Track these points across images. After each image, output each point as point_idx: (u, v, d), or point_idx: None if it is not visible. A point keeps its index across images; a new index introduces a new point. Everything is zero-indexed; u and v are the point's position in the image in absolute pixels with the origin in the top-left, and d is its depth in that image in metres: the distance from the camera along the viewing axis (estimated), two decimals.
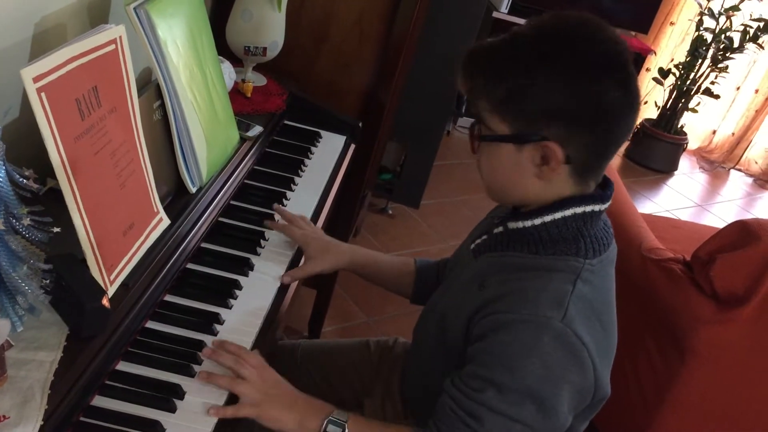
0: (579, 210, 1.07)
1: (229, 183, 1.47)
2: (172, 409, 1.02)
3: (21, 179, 0.88)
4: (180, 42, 1.29)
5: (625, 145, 4.62)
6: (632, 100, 1.03)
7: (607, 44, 1.02)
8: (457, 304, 1.14)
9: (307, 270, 1.39)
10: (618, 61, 1.02)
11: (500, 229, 1.14)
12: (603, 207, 1.09)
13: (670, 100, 4.40)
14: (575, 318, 1.01)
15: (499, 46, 1.04)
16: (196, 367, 1.10)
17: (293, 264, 1.41)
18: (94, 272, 1.01)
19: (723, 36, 4.13)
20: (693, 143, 4.72)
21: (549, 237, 1.07)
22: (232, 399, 1.09)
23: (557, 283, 1.04)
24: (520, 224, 1.10)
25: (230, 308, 1.24)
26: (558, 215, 1.07)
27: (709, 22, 4.16)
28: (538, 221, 1.07)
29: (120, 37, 1.09)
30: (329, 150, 1.81)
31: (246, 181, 1.57)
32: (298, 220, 1.46)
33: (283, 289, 1.34)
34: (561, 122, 1.01)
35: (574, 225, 1.07)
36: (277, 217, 1.48)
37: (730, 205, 4.34)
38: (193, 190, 1.35)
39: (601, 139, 1.04)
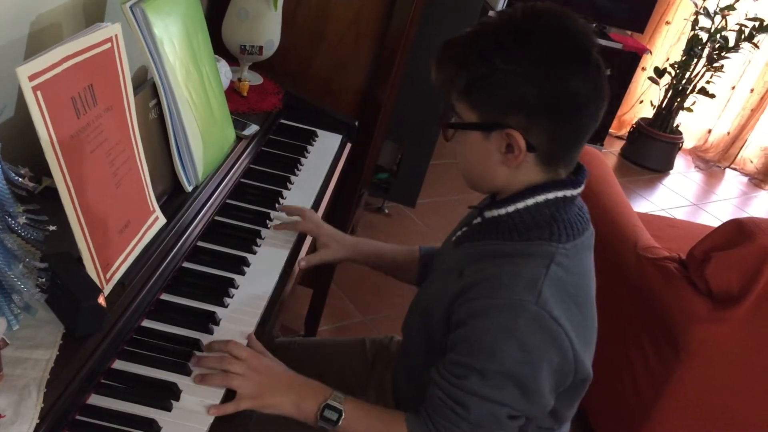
0: (551, 196, 1.09)
1: (225, 182, 1.47)
2: (168, 408, 1.02)
3: (16, 178, 0.88)
4: (176, 40, 1.29)
5: (621, 144, 4.63)
6: (595, 88, 1.04)
7: (569, 34, 1.03)
8: (437, 294, 1.16)
9: (322, 257, 1.45)
10: (579, 51, 1.03)
11: (478, 219, 1.17)
12: (575, 192, 1.11)
13: (666, 100, 4.41)
14: (549, 299, 1.04)
15: (464, 36, 1.07)
16: (192, 366, 1.10)
17: (290, 261, 1.41)
18: (90, 271, 1.01)
19: (718, 35, 4.14)
20: (688, 142, 4.73)
21: (523, 223, 1.09)
22: (229, 395, 1.09)
23: (531, 268, 1.06)
24: (495, 213, 1.12)
25: (226, 307, 1.24)
26: (530, 201, 1.09)
27: (704, 22, 4.16)
28: (511, 208, 1.10)
29: (116, 35, 1.09)
30: (325, 149, 1.82)
31: (242, 179, 1.57)
32: (306, 212, 1.48)
33: (279, 287, 1.34)
34: (521, 111, 1.03)
35: (547, 211, 1.09)
36: (274, 214, 1.49)
37: (726, 204, 4.35)
38: (189, 188, 1.35)
39: (564, 127, 1.06)
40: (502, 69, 1.02)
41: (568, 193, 1.10)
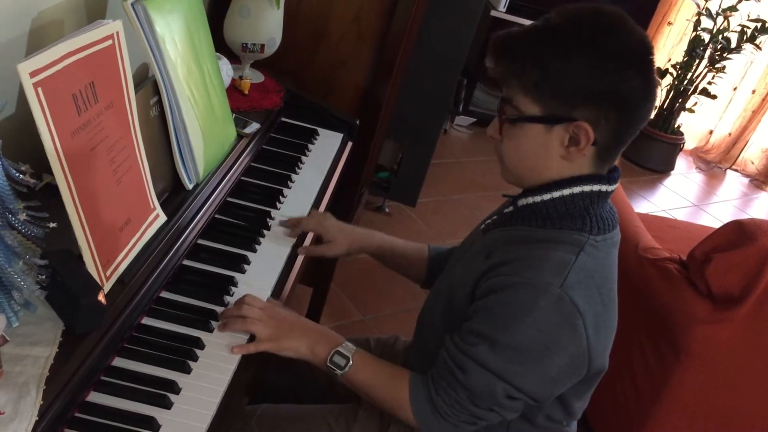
0: (587, 188, 1.11)
1: (225, 180, 1.47)
2: (168, 406, 1.02)
3: (17, 174, 0.88)
4: (177, 38, 1.29)
5: None
6: (653, 89, 1.09)
7: (636, 36, 1.08)
8: (464, 274, 1.18)
9: (325, 251, 1.46)
10: (645, 52, 1.08)
11: (510, 208, 1.19)
12: (611, 188, 1.14)
13: (668, 100, 4.40)
14: (574, 286, 1.06)
15: (535, 32, 1.10)
16: (191, 364, 1.10)
17: (290, 261, 1.41)
18: (90, 268, 1.01)
19: (720, 36, 4.14)
20: (690, 143, 4.73)
21: (556, 212, 1.12)
22: (230, 393, 1.08)
23: (561, 253, 1.08)
24: (530, 200, 1.14)
25: (227, 305, 1.24)
26: (566, 192, 1.11)
27: (706, 23, 4.16)
28: (547, 196, 1.12)
29: (117, 32, 1.09)
30: (326, 147, 1.81)
31: (243, 178, 1.57)
32: (305, 218, 1.49)
33: (279, 286, 1.34)
34: (593, 105, 1.06)
35: (581, 203, 1.11)
36: (275, 220, 1.49)
37: (727, 205, 4.35)
38: (190, 186, 1.35)
39: (625, 123, 1.09)
40: (578, 63, 1.05)
41: (604, 188, 1.13)
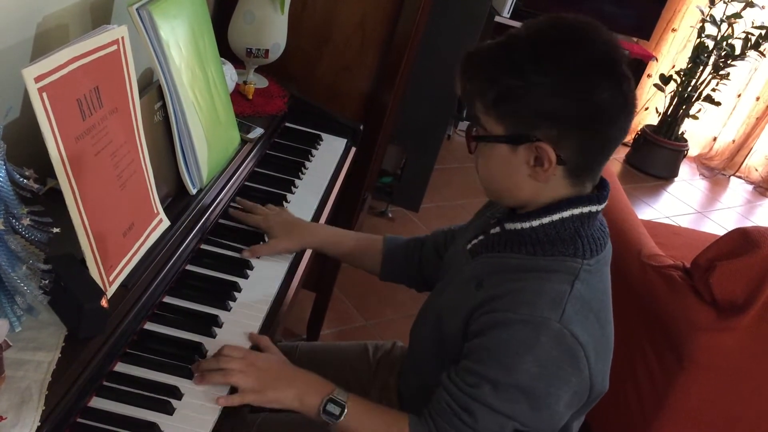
0: (576, 211, 1.08)
1: (229, 185, 1.47)
2: (170, 411, 1.02)
3: (21, 179, 0.88)
4: (182, 43, 1.29)
5: (626, 150, 4.62)
6: (625, 101, 1.03)
7: (599, 46, 1.02)
8: (453, 303, 1.15)
9: (270, 248, 1.39)
10: (610, 63, 1.02)
11: (497, 229, 1.15)
12: (599, 208, 1.10)
13: (671, 107, 4.40)
14: (572, 318, 1.03)
15: (493, 48, 1.06)
16: (193, 367, 1.10)
17: (293, 266, 1.41)
18: (93, 273, 1.01)
19: (724, 43, 4.14)
20: (693, 150, 4.72)
21: (547, 238, 1.08)
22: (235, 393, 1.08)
23: (555, 284, 1.05)
24: (518, 226, 1.10)
25: (229, 310, 1.23)
26: (555, 217, 1.08)
27: (710, 29, 4.16)
28: (536, 223, 1.09)
29: (122, 37, 1.09)
30: (330, 153, 1.81)
31: (246, 183, 1.57)
32: (258, 207, 1.46)
33: (282, 291, 1.34)
34: (552, 123, 1.02)
35: (572, 226, 1.08)
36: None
37: (730, 212, 4.34)
38: (194, 191, 1.35)
39: (594, 140, 1.05)
40: (535, 81, 1.00)
41: (593, 208, 1.09)
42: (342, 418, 1.11)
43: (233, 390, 1.09)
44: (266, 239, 1.42)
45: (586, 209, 1.08)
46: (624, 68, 1.03)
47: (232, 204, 1.47)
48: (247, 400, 1.09)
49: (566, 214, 1.07)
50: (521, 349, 1.02)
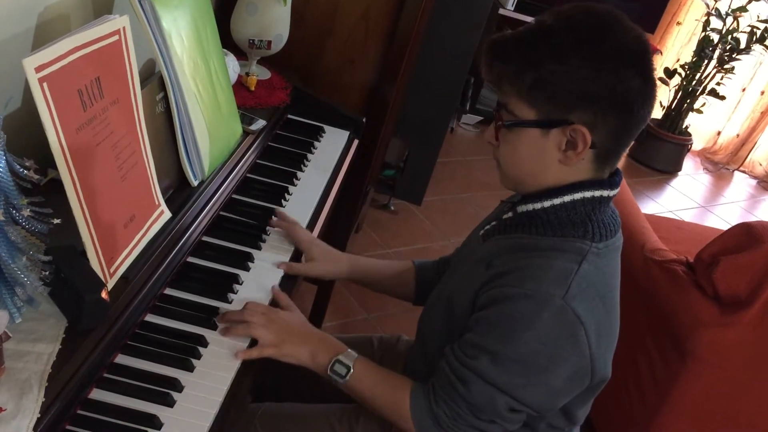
0: (588, 194, 1.09)
1: (231, 176, 1.46)
2: (170, 404, 1.02)
3: (21, 170, 0.87)
4: (184, 34, 1.29)
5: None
6: (651, 88, 1.06)
7: (631, 33, 1.05)
8: (463, 284, 1.17)
9: (309, 269, 1.41)
10: (643, 51, 1.05)
11: (509, 214, 1.17)
12: (612, 193, 1.11)
13: (676, 101, 4.39)
14: (577, 296, 1.04)
15: (528, 35, 1.07)
16: (194, 361, 1.10)
17: (295, 258, 1.40)
18: (94, 264, 1.01)
19: (730, 37, 4.12)
20: (697, 144, 4.71)
21: (557, 219, 1.10)
22: (233, 392, 1.08)
23: (563, 262, 1.06)
24: (529, 207, 1.12)
25: (230, 303, 1.23)
26: (567, 198, 1.09)
27: (716, 23, 4.14)
28: (547, 203, 1.10)
29: (124, 28, 1.09)
30: (332, 145, 1.81)
31: (248, 174, 1.56)
32: (299, 224, 1.46)
33: (283, 284, 1.33)
34: (590, 107, 1.04)
35: (583, 209, 1.09)
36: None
37: (734, 206, 4.33)
38: (195, 183, 1.34)
39: (624, 125, 1.07)
40: (575, 65, 1.02)
41: (606, 193, 1.10)
42: (348, 378, 1.17)
43: (253, 344, 1.15)
44: (263, 242, 1.41)
45: (598, 193, 1.10)
46: (651, 57, 1.06)
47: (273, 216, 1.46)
48: (265, 354, 1.15)
49: (578, 196, 1.09)
50: (523, 322, 1.04)
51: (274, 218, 1.45)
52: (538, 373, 1.05)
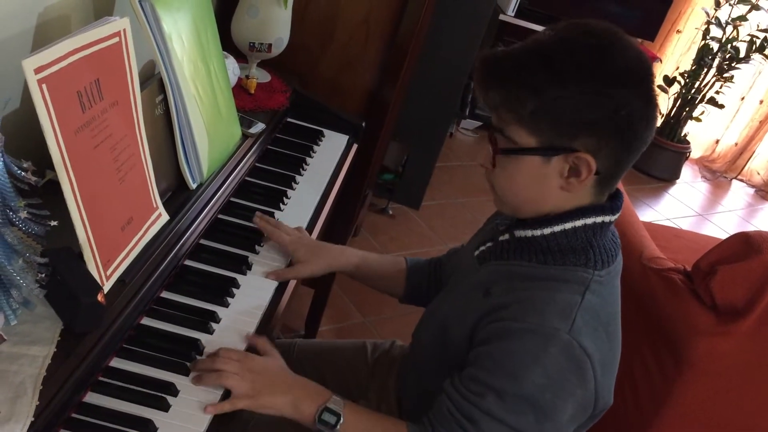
0: (589, 221, 1.06)
1: (229, 180, 1.46)
2: (165, 408, 1.01)
3: (19, 171, 0.87)
4: (184, 36, 1.28)
5: None
6: (653, 110, 1.03)
7: (631, 52, 1.01)
8: (459, 311, 1.13)
9: (297, 273, 1.36)
10: (644, 70, 1.02)
11: (506, 236, 1.13)
12: (613, 218, 1.09)
13: (674, 109, 4.39)
14: (582, 329, 1.01)
15: (525, 57, 1.02)
16: (190, 366, 1.09)
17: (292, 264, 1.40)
18: (91, 267, 1.00)
19: (729, 45, 4.12)
20: (696, 152, 4.71)
21: (558, 247, 1.06)
22: (227, 396, 1.07)
23: (565, 294, 1.03)
24: (528, 233, 1.08)
25: (227, 306, 1.23)
26: (568, 225, 1.06)
27: (715, 31, 4.14)
28: (547, 231, 1.06)
29: (124, 30, 1.08)
30: (332, 149, 1.80)
31: (247, 178, 1.56)
32: (283, 225, 1.42)
33: (280, 288, 1.33)
34: (594, 133, 1.00)
35: (584, 236, 1.06)
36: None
37: (732, 215, 4.33)
38: (194, 186, 1.34)
39: (628, 148, 1.03)
40: (578, 90, 0.98)
41: (606, 218, 1.07)
42: (338, 427, 1.09)
43: (227, 394, 1.07)
44: (261, 246, 1.40)
45: (599, 219, 1.06)
46: (653, 77, 1.03)
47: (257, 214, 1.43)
48: (239, 406, 1.06)
49: (579, 223, 1.06)
50: (529, 359, 1.00)
51: (255, 218, 1.41)
52: (547, 409, 1.01)
